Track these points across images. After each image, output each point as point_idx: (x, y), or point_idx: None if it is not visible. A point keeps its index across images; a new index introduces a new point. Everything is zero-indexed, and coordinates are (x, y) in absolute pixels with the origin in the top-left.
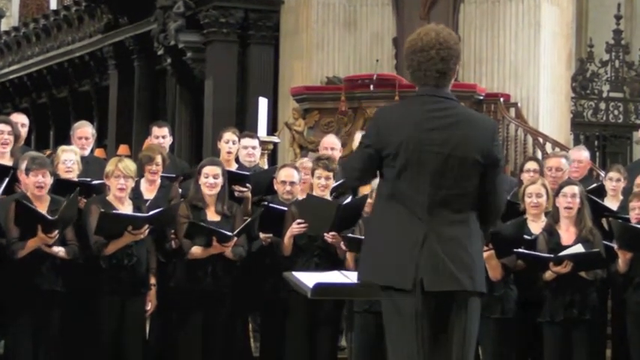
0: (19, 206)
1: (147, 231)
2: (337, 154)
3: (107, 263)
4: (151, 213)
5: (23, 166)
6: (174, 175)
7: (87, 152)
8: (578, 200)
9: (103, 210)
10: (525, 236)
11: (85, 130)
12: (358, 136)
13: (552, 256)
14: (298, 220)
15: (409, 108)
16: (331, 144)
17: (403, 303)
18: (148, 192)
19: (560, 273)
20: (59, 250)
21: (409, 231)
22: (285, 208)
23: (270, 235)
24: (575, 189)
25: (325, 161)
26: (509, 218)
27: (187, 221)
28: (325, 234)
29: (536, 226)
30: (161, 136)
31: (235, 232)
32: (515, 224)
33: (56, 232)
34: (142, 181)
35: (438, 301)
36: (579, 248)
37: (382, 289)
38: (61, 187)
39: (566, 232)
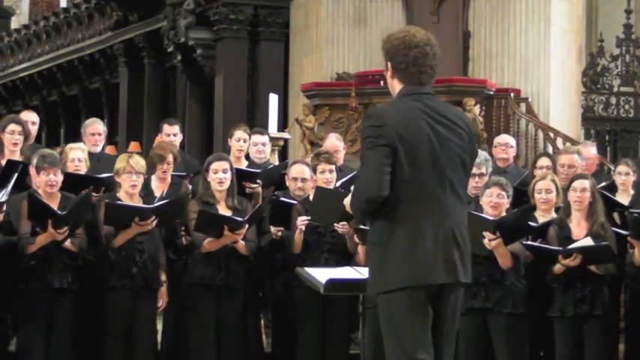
0: (32, 199)
1: (154, 222)
2: (341, 155)
3: (116, 255)
4: (157, 204)
5: (34, 163)
6: (184, 174)
7: (98, 149)
8: (588, 194)
9: (107, 201)
10: (532, 223)
11: (96, 127)
12: None
13: (560, 248)
14: (300, 218)
15: (409, 105)
16: (334, 147)
17: (425, 297)
18: (159, 189)
19: (569, 266)
20: (66, 241)
21: (441, 228)
22: (294, 202)
23: (282, 228)
24: (586, 183)
25: (325, 155)
26: (517, 206)
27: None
28: (335, 224)
29: (545, 220)
30: (172, 134)
31: (246, 218)
32: (520, 211)
33: (66, 228)
34: (153, 178)
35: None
36: (588, 241)
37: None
38: (69, 181)
39: (578, 227)
